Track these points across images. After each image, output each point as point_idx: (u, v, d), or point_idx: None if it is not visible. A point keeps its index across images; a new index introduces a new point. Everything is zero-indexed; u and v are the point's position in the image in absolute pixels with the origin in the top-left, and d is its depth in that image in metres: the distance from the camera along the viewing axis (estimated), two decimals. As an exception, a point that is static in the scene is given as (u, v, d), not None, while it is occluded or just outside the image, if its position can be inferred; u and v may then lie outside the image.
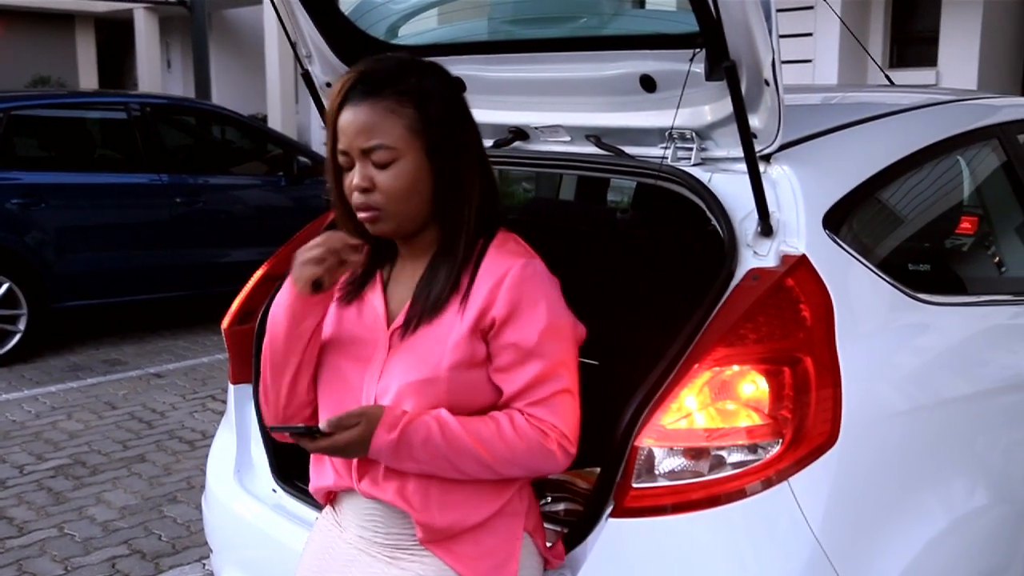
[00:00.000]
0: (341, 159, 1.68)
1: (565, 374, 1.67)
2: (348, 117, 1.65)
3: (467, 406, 1.66)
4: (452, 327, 1.65)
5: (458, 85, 1.77)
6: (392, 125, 1.63)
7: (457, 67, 2.32)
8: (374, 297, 1.77)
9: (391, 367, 1.69)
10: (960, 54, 9.15)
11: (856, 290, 1.90)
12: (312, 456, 1.87)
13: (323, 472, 1.82)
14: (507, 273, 1.65)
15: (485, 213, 1.72)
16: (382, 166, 1.64)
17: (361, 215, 1.69)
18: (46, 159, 7.13)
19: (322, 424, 1.61)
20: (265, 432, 2.43)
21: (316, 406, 1.80)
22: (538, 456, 1.65)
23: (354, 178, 1.66)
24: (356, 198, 1.67)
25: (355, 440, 1.60)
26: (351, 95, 1.65)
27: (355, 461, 1.73)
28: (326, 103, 1.67)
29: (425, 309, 1.68)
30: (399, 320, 1.72)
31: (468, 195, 1.69)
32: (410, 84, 1.66)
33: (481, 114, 2.36)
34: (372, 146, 1.63)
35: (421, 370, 1.65)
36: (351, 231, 1.74)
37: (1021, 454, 2.16)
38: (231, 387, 2.56)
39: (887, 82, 3.70)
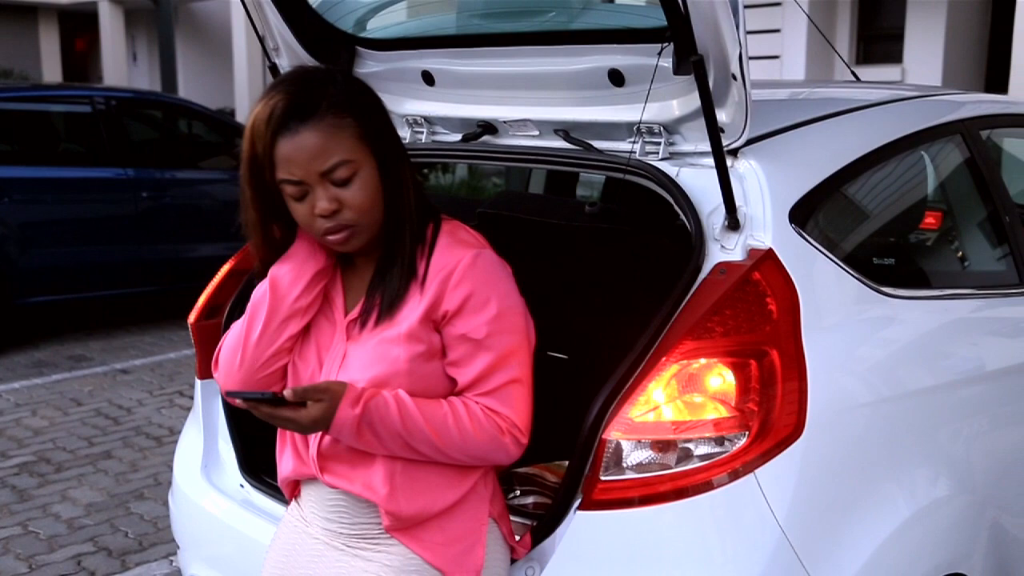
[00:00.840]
0: (291, 189, 1.64)
1: (515, 364, 1.68)
2: (293, 145, 1.60)
3: (425, 397, 1.67)
4: (407, 319, 1.66)
5: (357, 79, 1.76)
6: (342, 139, 1.62)
7: (425, 61, 2.33)
8: (332, 289, 1.78)
9: (352, 359, 1.70)
10: (925, 51, 9.26)
11: (821, 284, 1.92)
12: (277, 446, 1.87)
13: (287, 460, 1.82)
14: (458, 265, 1.66)
15: (420, 199, 1.73)
16: (344, 182, 1.63)
17: (332, 238, 1.67)
18: (9, 153, 7.02)
19: (287, 392, 1.59)
20: (233, 427, 2.42)
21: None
22: (490, 445, 1.66)
23: (318, 204, 1.63)
24: (322, 223, 1.64)
25: (318, 416, 1.59)
26: (287, 124, 1.60)
27: (315, 454, 1.73)
28: (247, 134, 1.63)
29: (383, 303, 1.69)
30: (355, 312, 1.73)
31: (407, 187, 1.70)
32: (337, 94, 1.64)
33: (450, 108, 2.38)
34: (332, 165, 1.61)
35: (382, 363, 1.66)
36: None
37: (982, 445, 2.20)
38: (198, 382, 2.54)
39: (853, 78, 3.73)
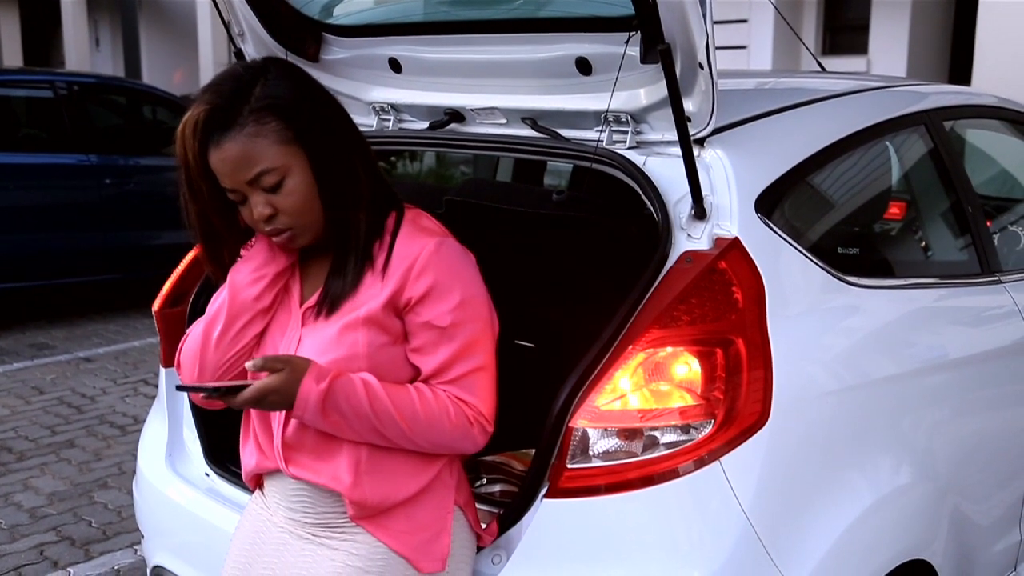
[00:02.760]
0: (231, 196, 1.66)
1: (480, 352, 1.68)
2: (218, 157, 1.61)
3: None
4: (368, 306, 1.65)
5: (294, 67, 1.73)
6: (265, 146, 1.60)
7: (392, 48, 2.32)
8: (290, 279, 1.78)
9: (307, 344, 1.69)
10: (890, 43, 9.33)
11: (787, 273, 1.93)
12: (240, 438, 1.86)
13: (251, 454, 1.81)
14: (421, 253, 1.65)
15: (374, 185, 1.72)
16: (274, 189, 1.62)
17: (276, 239, 1.69)
18: (-31, 138, 6.92)
19: (248, 364, 1.58)
20: (198, 416, 2.40)
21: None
22: (456, 432, 1.66)
23: (254, 210, 1.64)
24: (263, 227, 1.66)
25: (279, 385, 1.57)
26: (210, 136, 1.60)
27: (279, 445, 1.72)
28: (178, 141, 1.62)
29: (339, 293, 1.68)
30: (311, 301, 1.72)
31: (355, 179, 1.68)
32: (259, 96, 1.61)
33: (417, 95, 2.37)
34: (256, 174, 1.61)
35: (340, 348, 1.65)
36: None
37: (944, 433, 2.23)
38: (162, 371, 2.52)
39: (819, 69, 3.75)
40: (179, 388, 1.69)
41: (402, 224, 1.71)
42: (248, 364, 1.58)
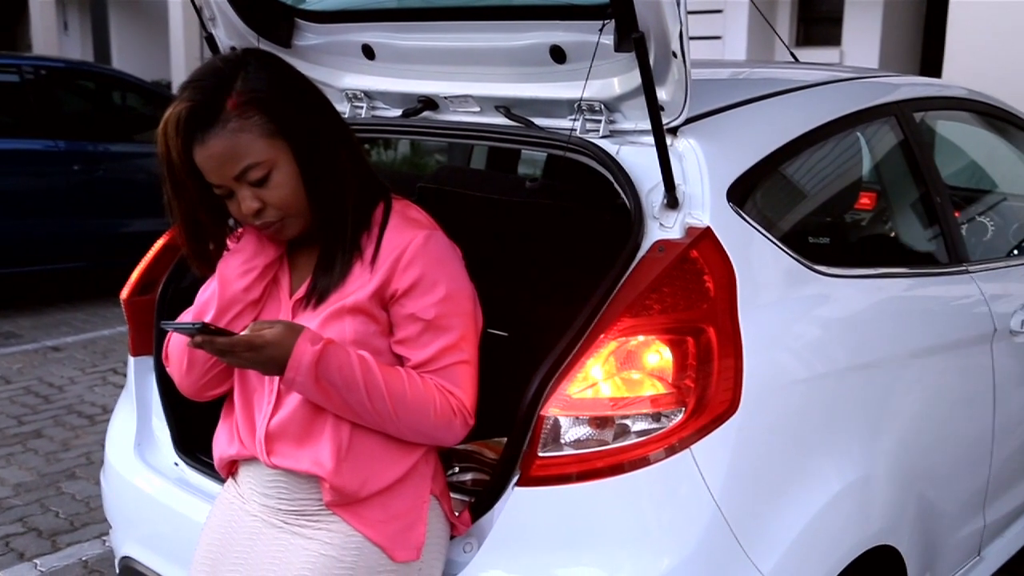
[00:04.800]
0: (217, 191, 1.65)
1: (465, 346, 1.69)
2: (203, 154, 1.60)
3: None
4: (356, 295, 1.66)
5: (274, 58, 1.71)
6: (249, 141, 1.59)
7: (366, 34, 2.30)
8: (279, 270, 1.78)
9: None
10: (863, 34, 9.40)
11: (758, 262, 1.94)
12: (218, 427, 1.85)
13: (228, 442, 1.80)
14: (409, 245, 1.66)
15: (361, 175, 1.72)
16: (261, 183, 1.62)
17: (265, 232, 1.69)
18: (-67, 123, 6.82)
19: (244, 333, 1.57)
20: (167, 405, 2.38)
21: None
22: (440, 421, 1.67)
23: (242, 205, 1.64)
24: (252, 220, 1.66)
25: (274, 337, 1.56)
26: (193, 133, 1.59)
27: (262, 436, 1.71)
28: (160, 138, 1.61)
29: (328, 284, 1.69)
30: (300, 292, 1.73)
31: (342, 170, 1.68)
32: (241, 90, 1.60)
33: (390, 83, 2.35)
34: (243, 169, 1.60)
35: (327, 335, 1.64)
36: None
37: (911, 420, 2.25)
38: (131, 360, 2.50)
39: (793, 60, 3.77)
40: (164, 325, 1.65)
41: (391, 215, 1.71)
42: (244, 333, 1.58)
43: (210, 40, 2.43)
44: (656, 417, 1.72)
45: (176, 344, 1.79)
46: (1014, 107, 3.23)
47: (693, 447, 1.72)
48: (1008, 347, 2.61)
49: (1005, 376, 2.60)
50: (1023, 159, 3.37)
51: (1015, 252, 3.02)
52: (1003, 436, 2.63)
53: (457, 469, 2.18)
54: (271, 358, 1.57)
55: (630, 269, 1.80)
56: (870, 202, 2.80)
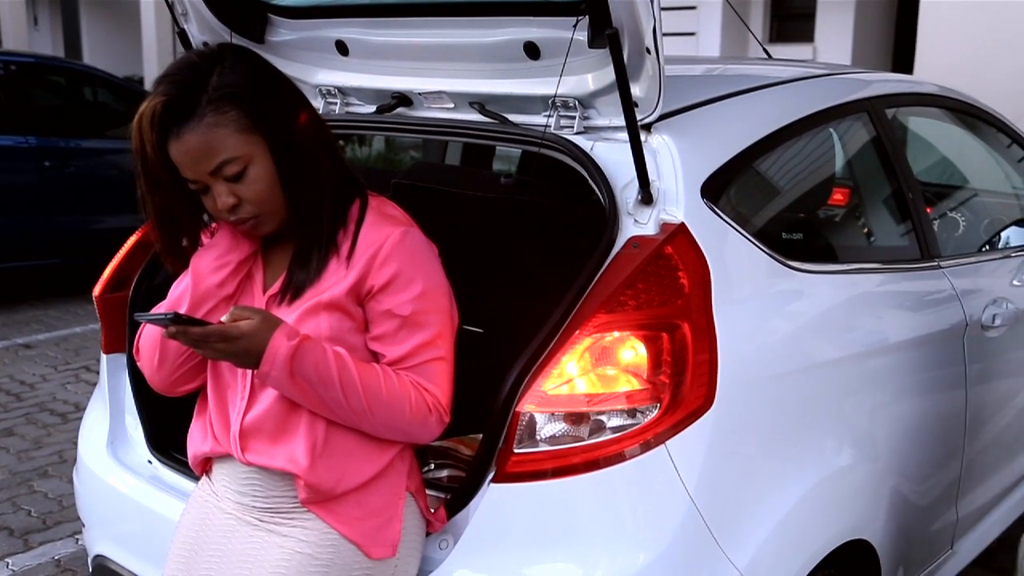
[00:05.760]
0: (192, 186, 1.64)
1: (440, 342, 1.69)
2: (178, 149, 1.59)
3: None
4: (331, 291, 1.65)
5: (250, 53, 1.71)
6: (224, 136, 1.58)
7: (339, 30, 2.29)
8: (253, 266, 1.77)
9: None
10: (835, 31, 9.46)
11: (732, 258, 1.95)
12: (192, 424, 1.84)
13: (202, 439, 1.79)
14: (385, 241, 1.65)
15: (337, 171, 1.71)
16: (236, 178, 1.61)
17: (240, 228, 1.68)
18: (-99, 119, 6.72)
19: (224, 317, 1.57)
20: (140, 403, 2.36)
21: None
22: (415, 418, 1.66)
23: (218, 200, 1.62)
24: (227, 216, 1.65)
25: (249, 329, 1.55)
26: (169, 127, 1.58)
27: (237, 433, 1.71)
28: (134, 133, 1.59)
29: (303, 280, 1.68)
30: (274, 288, 1.72)
31: (317, 166, 1.68)
32: (216, 85, 1.59)
33: (364, 79, 2.34)
34: (218, 164, 1.59)
35: (303, 331, 1.64)
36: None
37: (885, 415, 2.27)
38: (104, 357, 2.48)
39: (766, 56, 3.79)
40: (137, 317, 1.64)
41: (367, 212, 1.71)
42: (224, 318, 1.57)
43: (182, 36, 2.41)
44: (631, 413, 1.72)
45: (148, 337, 1.77)
46: (984, 103, 3.26)
47: (668, 443, 1.73)
48: (979, 341, 2.64)
49: (977, 371, 2.63)
50: (993, 155, 3.40)
51: (986, 247, 3.05)
52: (975, 430, 2.66)
53: (433, 466, 2.18)
54: (245, 350, 1.56)
55: (605, 265, 1.80)
56: (843, 198, 2.82)
